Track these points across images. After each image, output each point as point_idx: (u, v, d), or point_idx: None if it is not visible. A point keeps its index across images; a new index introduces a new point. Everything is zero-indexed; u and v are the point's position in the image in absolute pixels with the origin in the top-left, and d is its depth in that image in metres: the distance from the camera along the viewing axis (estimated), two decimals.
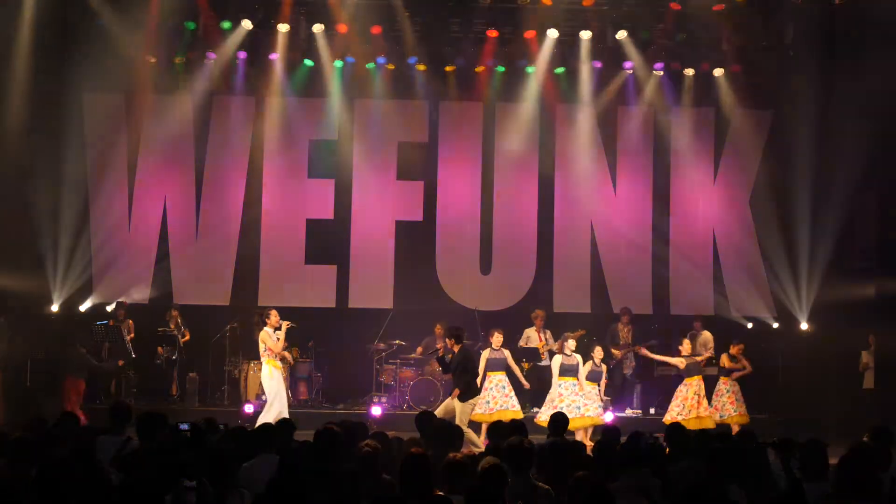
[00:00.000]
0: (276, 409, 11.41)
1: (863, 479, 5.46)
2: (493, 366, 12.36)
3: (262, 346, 11.69)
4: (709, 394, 12.69)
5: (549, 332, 14.18)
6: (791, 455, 6.20)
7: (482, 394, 11.94)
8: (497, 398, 12.13)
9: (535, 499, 5.66)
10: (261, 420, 10.86)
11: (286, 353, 11.76)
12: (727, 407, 12.57)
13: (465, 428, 10.89)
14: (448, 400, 11.48)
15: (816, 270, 14.60)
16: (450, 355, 11.44)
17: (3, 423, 11.41)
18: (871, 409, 12.97)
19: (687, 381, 12.49)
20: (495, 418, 10.73)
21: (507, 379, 12.37)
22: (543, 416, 11.88)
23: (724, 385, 12.81)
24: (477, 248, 15.53)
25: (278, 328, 11.75)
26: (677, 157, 15.58)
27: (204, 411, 12.40)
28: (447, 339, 11.70)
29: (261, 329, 11.76)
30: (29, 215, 14.02)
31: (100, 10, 13.77)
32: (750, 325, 15.14)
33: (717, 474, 5.71)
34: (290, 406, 13.55)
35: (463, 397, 11.19)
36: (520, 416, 11.52)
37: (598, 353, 12.47)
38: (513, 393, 12.27)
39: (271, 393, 11.55)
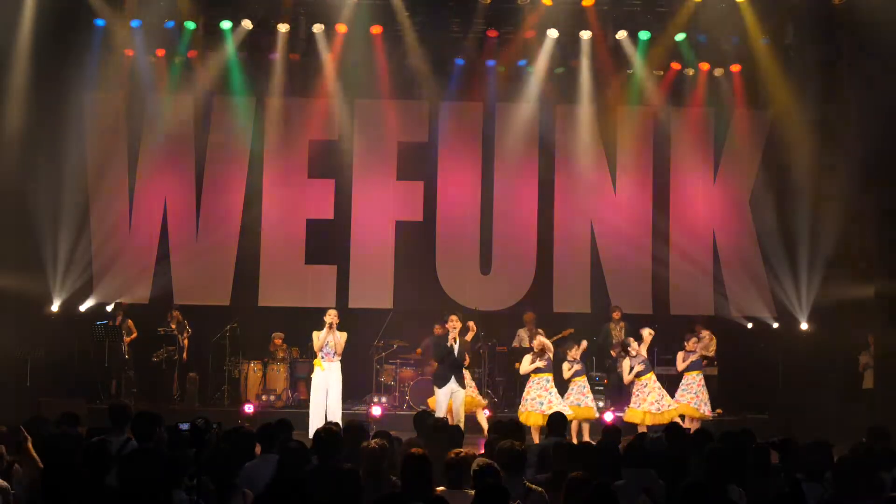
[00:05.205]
0: (313, 410, 11.55)
1: (863, 479, 5.48)
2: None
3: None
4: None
5: (541, 332, 14.13)
6: (791, 455, 6.21)
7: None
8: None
9: (528, 501, 5.66)
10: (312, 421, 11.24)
11: (318, 361, 11.75)
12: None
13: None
14: (466, 394, 11.69)
15: (816, 270, 14.60)
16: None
17: None
18: (871, 409, 12.98)
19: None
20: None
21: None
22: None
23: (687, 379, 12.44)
24: (477, 248, 15.52)
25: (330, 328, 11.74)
26: (677, 157, 15.58)
27: (204, 411, 12.39)
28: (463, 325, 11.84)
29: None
30: (29, 215, 14.01)
31: (99, 10, 13.77)
32: (750, 325, 15.15)
33: (717, 474, 5.71)
34: (291, 405, 13.62)
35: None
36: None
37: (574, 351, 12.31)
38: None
39: (312, 391, 11.77)
